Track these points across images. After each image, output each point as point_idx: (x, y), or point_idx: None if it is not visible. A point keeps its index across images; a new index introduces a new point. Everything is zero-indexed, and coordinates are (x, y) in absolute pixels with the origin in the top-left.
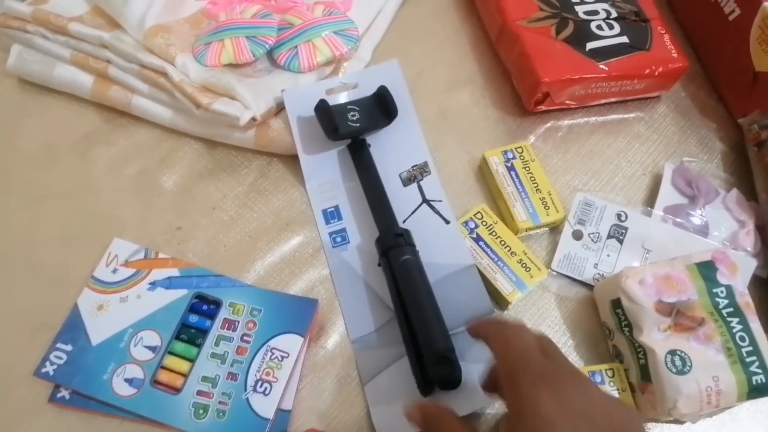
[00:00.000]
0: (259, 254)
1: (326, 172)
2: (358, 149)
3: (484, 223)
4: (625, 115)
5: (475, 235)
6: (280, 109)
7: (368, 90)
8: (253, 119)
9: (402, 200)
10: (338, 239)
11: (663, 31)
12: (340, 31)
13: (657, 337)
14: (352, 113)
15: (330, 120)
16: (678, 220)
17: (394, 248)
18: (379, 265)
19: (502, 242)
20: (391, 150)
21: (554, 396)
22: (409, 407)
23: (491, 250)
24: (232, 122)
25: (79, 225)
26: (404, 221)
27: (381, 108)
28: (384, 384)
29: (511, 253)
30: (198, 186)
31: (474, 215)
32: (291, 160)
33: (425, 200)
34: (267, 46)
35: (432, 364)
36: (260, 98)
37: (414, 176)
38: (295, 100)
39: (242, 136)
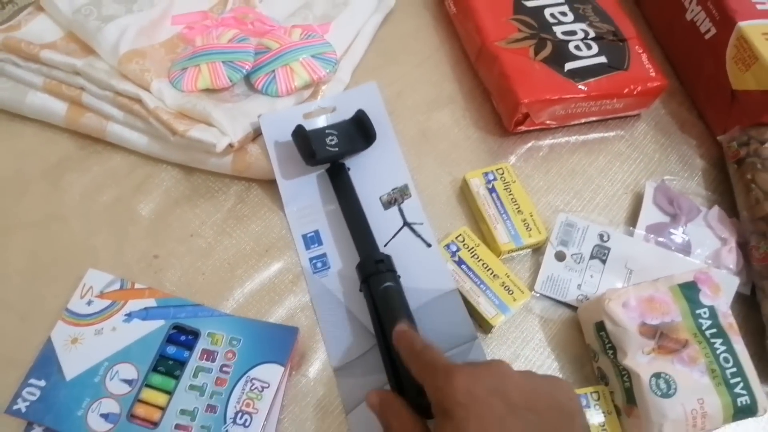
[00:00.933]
0: (239, 282)
1: (305, 196)
2: (337, 173)
3: (466, 246)
4: (606, 134)
5: (457, 258)
6: (257, 134)
7: (346, 113)
8: (230, 145)
9: (383, 224)
10: (319, 264)
11: (641, 51)
12: (317, 55)
13: (641, 360)
14: (330, 137)
15: (307, 145)
16: (660, 239)
17: (374, 275)
18: (360, 290)
19: (485, 265)
20: (371, 173)
21: (467, 381)
22: (370, 393)
23: (474, 273)
24: (209, 149)
25: (51, 255)
26: (385, 245)
27: (359, 131)
28: (367, 413)
29: (494, 276)
30: (175, 213)
31: (456, 238)
32: (269, 185)
33: (406, 223)
34: (244, 71)
35: (412, 394)
36: (237, 124)
37: (394, 199)
38: (272, 125)
39: (219, 161)
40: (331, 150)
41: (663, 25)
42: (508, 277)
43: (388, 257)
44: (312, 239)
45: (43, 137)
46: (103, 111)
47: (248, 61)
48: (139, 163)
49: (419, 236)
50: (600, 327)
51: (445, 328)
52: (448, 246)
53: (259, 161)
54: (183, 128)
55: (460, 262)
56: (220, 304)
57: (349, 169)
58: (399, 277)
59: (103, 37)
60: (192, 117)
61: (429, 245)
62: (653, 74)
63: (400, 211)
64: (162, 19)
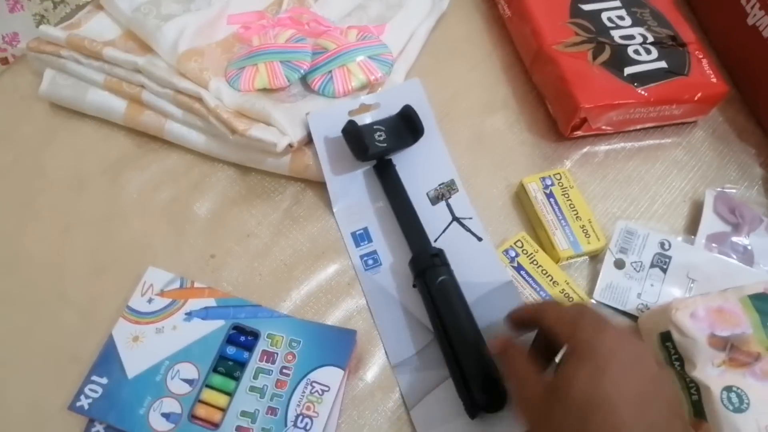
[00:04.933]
0: (295, 283)
1: (353, 193)
2: (384, 169)
3: (524, 252)
4: (662, 141)
5: (516, 264)
6: None
7: (390, 109)
8: (290, 145)
9: (431, 219)
10: (370, 262)
11: (701, 56)
12: (374, 56)
13: (711, 373)
14: (378, 133)
15: (359, 141)
16: (722, 248)
17: (429, 269)
18: (414, 286)
19: (544, 271)
20: (417, 169)
21: (618, 337)
22: (495, 340)
23: (533, 279)
24: (269, 148)
25: (110, 253)
26: (435, 240)
27: (407, 126)
28: (431, 407)
29: (553, 282)
30: (231, 212)
31: (514, 243)
32: (325, 186)
33: (455, 218)
34: (301, 71)
35: (478, 388)
36: (296, 124)
37: (442, 194)
38: (319, 122)
39: (277, 162)
40: (380, 145)
41: (721, 30)
42: (567, 284)
43: (441, 251)
44: (361, 237)
45: (101, 134)
46: (162, 109)
47: (306, 61)
48: (196, 162)
49: (469, 230)
50: (666, 337)
51: (502, 318)
52: (506, 251)
53: (318, 162)
54: (243, 127)
55: (518, 268)
56: (278, 305)
57: (395, 165)
58: (453, 271)
59: (162, 36)
60: (251, 116)
61: (480, 239)
62: (714, 80)
63: (448, 206)
64: (218, 19)
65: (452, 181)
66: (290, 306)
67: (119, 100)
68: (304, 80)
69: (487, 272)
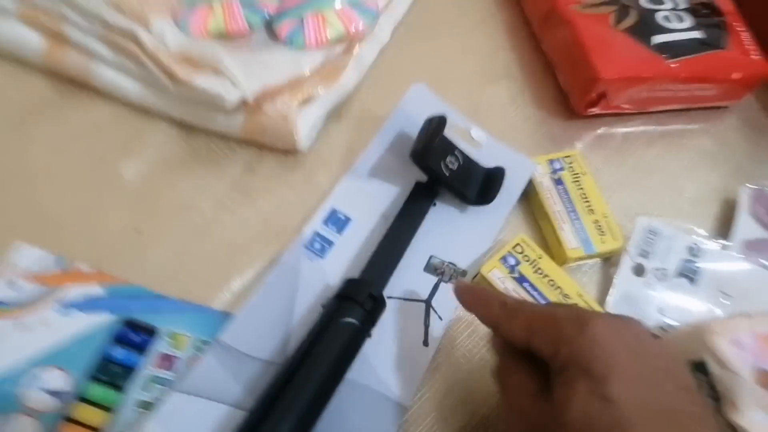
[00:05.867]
0: (238, 270)
1: (375, 184)
2: (423, 193)
3: (526, 259)
4: (688, 126)
5: (517, 274)
6: (278, 91)
7: (486, 161)
8: (244, 102)
9: (410, 281)
10: (317, 245)
11: (741, 29)
12: (355, 2)
13: (759, 420)
14: (452, 159)
15: (429, 140)
16: (762, 258)
17: (352, 303)
18: (323, 306)
19: (551, 282)
20: (447, 231)
21: (608, 333)
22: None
23: (539, 293)
24: (216, 102)
25: (9, 223)
26: (389, 298)
27: (483, 185)
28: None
29: (564, 296)
30: (167, 179)
31: (513, 248)
32: (286, 155)
33: (428, 302)
34: (266, 14)
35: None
36: (253, 75)
37: (442, 272)
38: (417, 99)
39: (228, 121)
40: (442, 168)
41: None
42: (580, 296)
43: (383, 304)
44: (336, 221)
45: (13, 77)
46: (88, 48)
47: (272, 4)
48: (128, 116)
49: (426, 326)
50: (699, 368)
51: (357, 423)
52: (504, 258)
53: (278, 124)
54: (185, 75)
55: (521, 280)
56: (213, 296)
57: (434, 204)
58: (370, 336)
59: None
60: (198, 63)
61: (427, 345)
62: (756, 57)
63: (435, 287)
64: None
65: (464, 272)
66: (228, 297)
67: (36, 34)
68: (269, 27)
69: (398, 375)
